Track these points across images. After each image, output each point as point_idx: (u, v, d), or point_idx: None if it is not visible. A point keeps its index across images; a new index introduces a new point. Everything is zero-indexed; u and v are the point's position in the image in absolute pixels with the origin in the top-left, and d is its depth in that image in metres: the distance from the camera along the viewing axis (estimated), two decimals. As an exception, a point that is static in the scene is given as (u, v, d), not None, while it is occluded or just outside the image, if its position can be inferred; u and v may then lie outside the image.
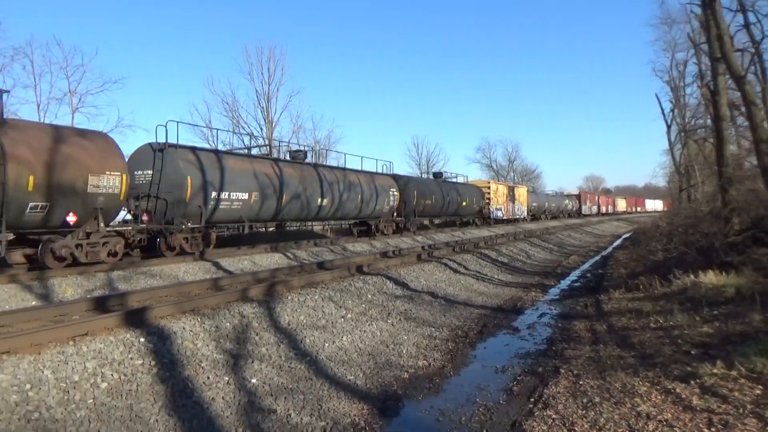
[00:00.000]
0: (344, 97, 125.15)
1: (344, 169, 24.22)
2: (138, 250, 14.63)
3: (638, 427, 4.80)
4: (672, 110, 37.90)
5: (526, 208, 48.02)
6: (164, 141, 15.09)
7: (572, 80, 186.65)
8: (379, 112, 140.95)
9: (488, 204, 38.76)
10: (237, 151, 22.03)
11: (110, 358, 5.90)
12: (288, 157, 21.81)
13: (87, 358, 5.76)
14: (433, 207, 30.53)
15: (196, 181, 14.98)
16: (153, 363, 6.11)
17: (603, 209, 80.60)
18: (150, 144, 15.37)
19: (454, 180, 39.07)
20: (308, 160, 22.43)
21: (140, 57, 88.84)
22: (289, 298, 9.42)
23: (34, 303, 9.22)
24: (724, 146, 14.05)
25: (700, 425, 4.66)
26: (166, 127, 15.16)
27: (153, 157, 15.01)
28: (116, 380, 5.59)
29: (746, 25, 18.20)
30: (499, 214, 40.68)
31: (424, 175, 58.58)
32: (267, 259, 15.47)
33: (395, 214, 26.76)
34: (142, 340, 6.47)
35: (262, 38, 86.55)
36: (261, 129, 38.20)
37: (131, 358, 6.04)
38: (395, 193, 26.38)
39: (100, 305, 8.30)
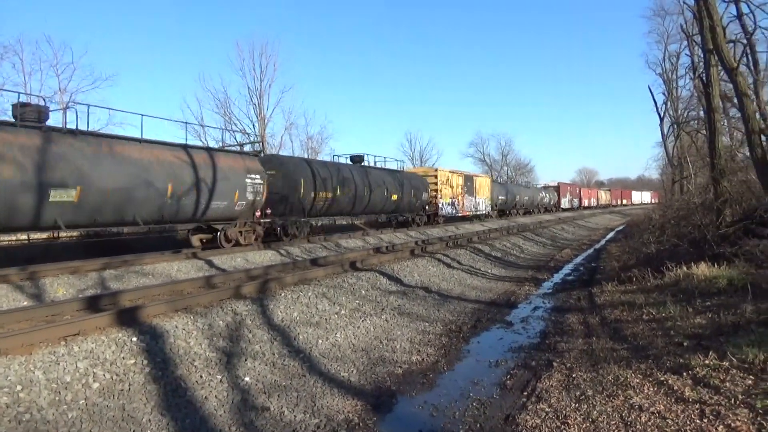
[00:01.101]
0: (337, 93, 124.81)
1: (137, 140, 13.68)
2: None
3: (631, 419, 4.81)
4: (665, 102, 38.03)
5: (489, 202, 40.35)
6: None
7: (565, 74, 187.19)
8: (373, 108, 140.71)
9: (435, 197, 31.15)
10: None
11: (102, 358, 5.87)
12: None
13: (79, 358, 5.73)
14: (346, 202, 21.75)
15: None
16: (145, 362, 6.09)
17: (585, 202, 73.24)
18: None
19: (383, 166, 28.86)
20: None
21: (131, 54, 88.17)
22: (283, 295, 9.40)
23: (25, 303, 9.16)
24: (717, 138, 14.09)
25: (692, 416, 4.68)
26: None
27: None
28: (108, 380, 5.56)
29: (739, 16, 18.22)
30: (450, 209, 33.19)
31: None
32: (260, 257, 15.43)
33: (259, 213, 17.65)
34: (134, 339, 6.44)
35: (254, 34, 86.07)
36: (253, 126, 38.08)
37: (123, 358, 6.01)
38: (258, 181, 17.01)
39: (92, 305, 8.25)
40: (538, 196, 54.38)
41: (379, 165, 28.91)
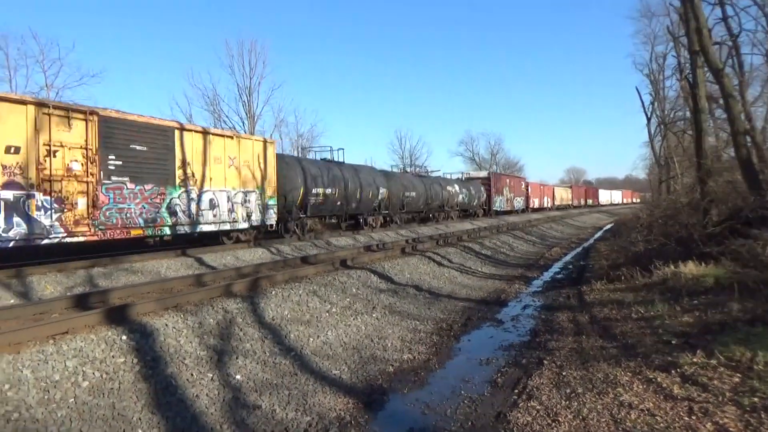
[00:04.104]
0: (327, 91, 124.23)
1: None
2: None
3: (620, 417, 4.86)
4: (652, 103, 38.33)
5: (266, 202, 17.59)
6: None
7: (555, 73, 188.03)
8: (363, 106, 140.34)
9: None
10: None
11: (92, 357, 5.82)
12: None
13: (68, 356, 5.68)
14: None
15: None
16: (135, 361, 6.04)
17: (535, 203, 54.22)
18: None
19: None
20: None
21: (119, 51, 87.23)
22: (273, 293, 9.37)
23: (12, 301, 9.04)
24: (703, 138, 14.23)
25: (681, 413, 4.74)
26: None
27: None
28: (98, 379, 5.51)
29: (724, 18, 18.49)
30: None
31: (408, 170, 50.44)
32: (250, 255, 15.36)
33: None
34: (124, 337, 6.39)
35: (243, 31, 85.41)
36: (243, 123, 37.82)
37: (113, 356, 5.96)
38: None
39: (81, 303, 8.17)
40: (445, 193, 33.45)
41: None
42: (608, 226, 40.41)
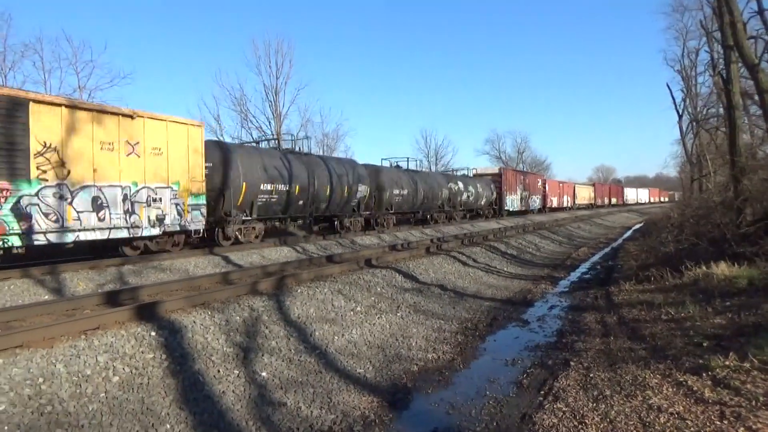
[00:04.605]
0: (353, 90, 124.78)
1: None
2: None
3: (649, 420, 4.77)
4: (683, 99, 37.38)
5: (172, 203, 13.49)
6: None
7: (582, 71, 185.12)
8: (388, 105, 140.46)
9: None
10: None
11: (122, 352, 5.95)
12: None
13: (99, 351, 5.81)
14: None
15: None
16: (164, 357, 6.15)
17: (552, 202, 50.51)
18: None
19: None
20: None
21: (149, 52, 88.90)
22: (299, 291, 9.44)
23: (46, 297, 9.30)
24: (737, 135, 13.88)
25: (712, 417, 4.62)
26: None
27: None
28: (128, 374, 5.63)
29: (760, 12, 17.87)
30: None
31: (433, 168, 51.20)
32: (276, 253, 15.51)
33: None
34: (153, 333, 6.51)
35: (269, 31, 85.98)
36: (269, 123, 38.13)
37: (142, 352, 6.08)
38: None
39: (112, 299, 8.35)
40: (445, 191, 29.75)
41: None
42: (637, 226, 39.68)
